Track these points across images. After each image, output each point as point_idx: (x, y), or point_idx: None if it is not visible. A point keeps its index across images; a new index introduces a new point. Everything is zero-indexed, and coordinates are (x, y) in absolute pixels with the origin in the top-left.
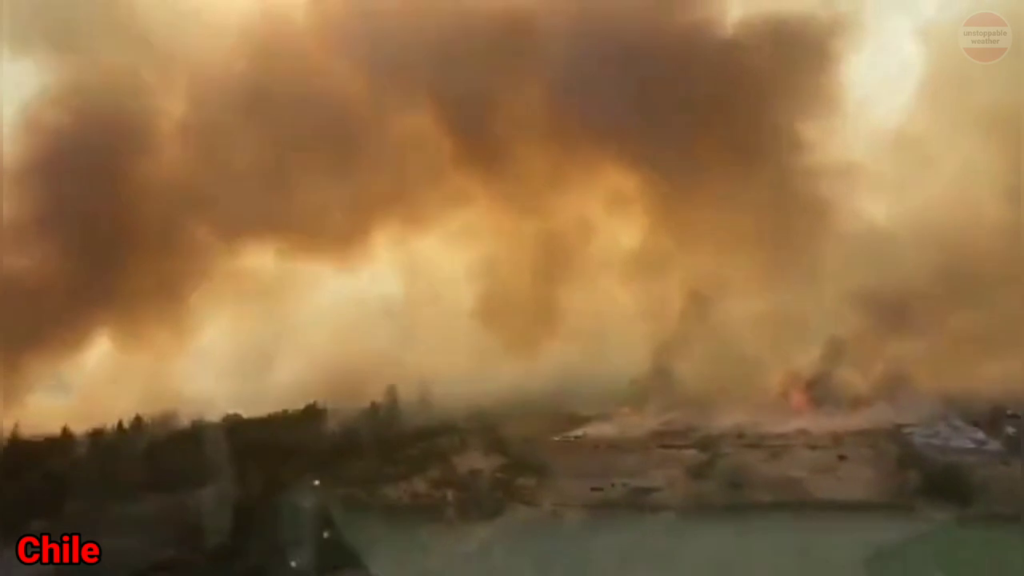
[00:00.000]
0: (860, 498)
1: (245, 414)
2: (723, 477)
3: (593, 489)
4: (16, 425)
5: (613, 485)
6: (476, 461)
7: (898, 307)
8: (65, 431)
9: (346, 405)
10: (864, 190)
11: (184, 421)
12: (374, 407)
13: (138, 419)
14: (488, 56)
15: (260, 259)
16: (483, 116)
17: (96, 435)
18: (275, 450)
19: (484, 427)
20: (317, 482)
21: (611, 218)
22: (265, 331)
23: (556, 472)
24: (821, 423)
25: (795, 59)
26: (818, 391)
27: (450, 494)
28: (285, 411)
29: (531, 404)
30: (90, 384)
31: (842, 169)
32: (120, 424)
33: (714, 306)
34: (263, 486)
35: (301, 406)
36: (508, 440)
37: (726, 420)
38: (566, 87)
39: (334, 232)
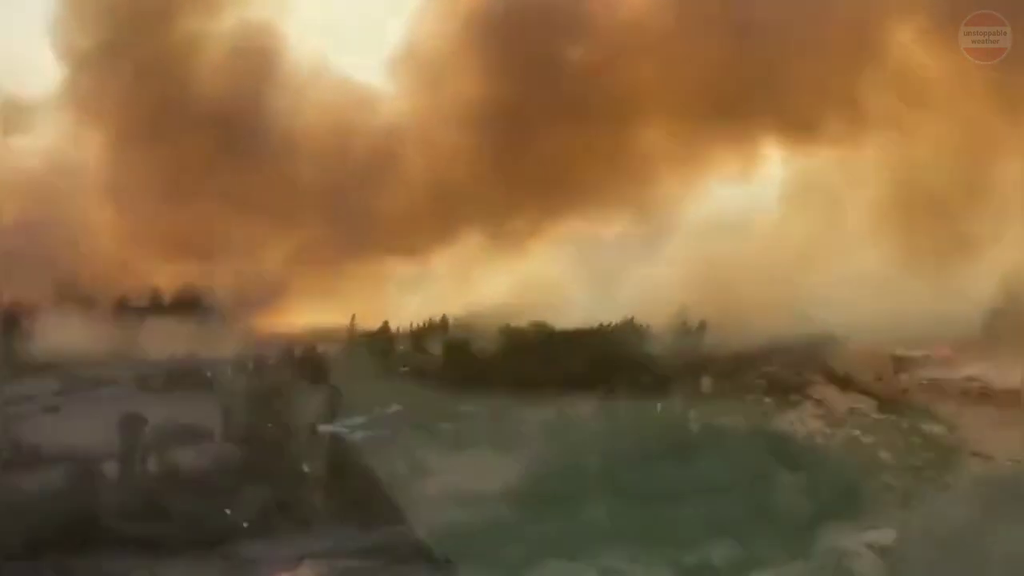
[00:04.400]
0: None
1: (578, 323)
2: None
3: None
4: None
5: None
6: (836, 397)
7: None
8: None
9: (667, 323)
10: None
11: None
12: (692, 325)
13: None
14: None
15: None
16: None
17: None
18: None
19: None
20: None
21: None
22: (634, 241)
23: (953, 419)
24: None
25: None
26: None
27: (860, 433)
28: (602, 324)
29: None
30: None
31: None
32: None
33: None
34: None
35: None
36: (852, 375)
37: None
38: None
39: (725, 136)
